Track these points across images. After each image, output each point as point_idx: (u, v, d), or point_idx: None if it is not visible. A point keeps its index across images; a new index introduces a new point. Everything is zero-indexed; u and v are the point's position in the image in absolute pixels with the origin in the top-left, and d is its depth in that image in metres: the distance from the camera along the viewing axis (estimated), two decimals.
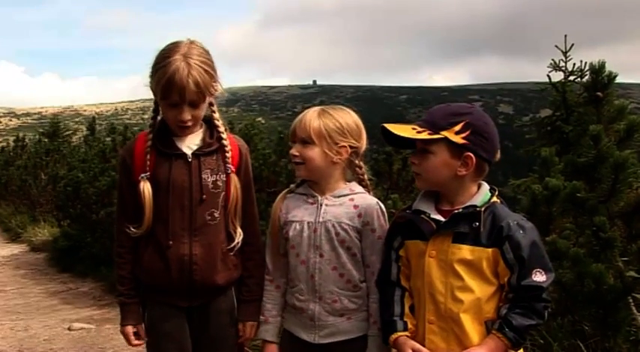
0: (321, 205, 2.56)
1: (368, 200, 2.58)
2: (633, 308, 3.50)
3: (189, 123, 2.57)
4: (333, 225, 2.52)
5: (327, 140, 2.54)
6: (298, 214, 2.58)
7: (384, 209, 2.59)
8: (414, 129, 2.32)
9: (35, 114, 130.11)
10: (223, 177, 2.63)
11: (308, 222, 2.55)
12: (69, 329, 6.47)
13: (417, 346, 2.28)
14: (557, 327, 3.77)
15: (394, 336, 2.34)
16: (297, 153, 2.55)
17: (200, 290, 2.63)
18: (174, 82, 2.45)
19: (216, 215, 2.62)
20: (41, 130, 21.92)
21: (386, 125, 2.35)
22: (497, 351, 2.21)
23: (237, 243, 2.65)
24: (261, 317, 2.67)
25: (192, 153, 2.61)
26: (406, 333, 2.34)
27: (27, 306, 7.70)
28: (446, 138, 2.28)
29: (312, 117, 2.55)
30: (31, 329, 6.55)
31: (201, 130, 2.67)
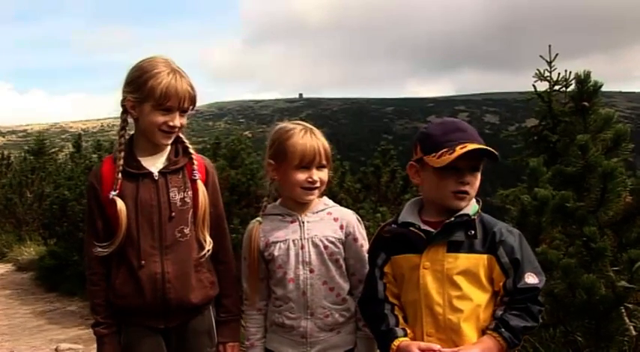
0: (303, 223, 2.58)
1: (344, 211, 2.65)
2: (625, 318, 3.49)
3: (176, 130, 2.60)
4: (321, 240, 2.55)
5: (330, 161, 2.63)
6: (280, 234, 2.59)
7: (359, 217, 2.67)
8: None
9: (20, 131, 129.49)
10: (190, 193, 2.64)
11: (293, 240, 2.56)
12: (56, 349, 6.39)
13: (424, 344, 2.25)
14: (549, 338, 3.75)
15: (397, 342, 2.30)
16: (317, 179, 2.56)
17: (176, 310, 2.61)
18: (175, 88, 2.53)
19: (186, 231, 2.62)
20: (26, 148, 21.73)
21: (482, 147, 2.30)
22: (492, 351, 2.21)
23: (208, 250, 2.65)
24: (247, 342, 2.66)
25: (159, 172, 2.62)
26: (407, 338, 2.30)
27: (13, 327, 7.60)
28: None
29: (322, 142, 2.59)
30: (18, 351, 6.46)
31: (167, 150, 2.68)
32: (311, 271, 2.54)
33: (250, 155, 8.44)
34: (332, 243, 2.56)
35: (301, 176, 2.54)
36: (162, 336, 2.64)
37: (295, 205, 2.62)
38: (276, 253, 2.57)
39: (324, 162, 2.57)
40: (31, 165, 17.94)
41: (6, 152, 22.34)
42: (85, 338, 6.70)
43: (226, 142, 8.72)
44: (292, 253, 2.55)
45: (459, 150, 2.26)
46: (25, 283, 10.59)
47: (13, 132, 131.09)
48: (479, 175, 2.34)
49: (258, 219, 2.66)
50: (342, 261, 2.58)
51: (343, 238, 2.58)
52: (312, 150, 2.54)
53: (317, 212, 2.61)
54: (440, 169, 2.31)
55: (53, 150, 21.80)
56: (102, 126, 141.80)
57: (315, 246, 2.55)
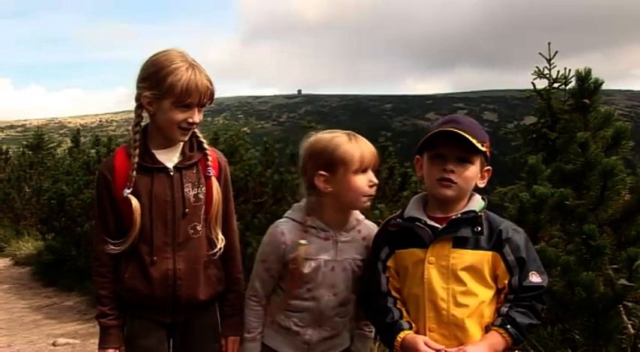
0: (336, 243, 2.49)
1: (371, 228, 2.57)
2: (624, 316, 3.48)
3: (194, 126, 2.57)
4: (350, 263, 2.50)
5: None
6: (313, 251, 2.46)
7: None
8: (473, 139, 2.30)
9: (19, 126, 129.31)
10: (204, 189, 2.60)
11: (325, 261, 2.47)
12: (53, 344, 6.37)
13: (430, 341, 2.23)
14: (547, 336, 3.75)
15: (402, 335, 2.29)
16: (377, 182, 2.48)
17: (185, 305, 2.59)
18: (195, 84, 2.47)
19: (198, 228, 2.59)
20: (25, 143, 21.68)
21: (460, 131, 2.28)
22: (498, 347, 2.20)
23: (220, 249, 2.62)
24: (247, 334, 2.60)
25: (174, 167, 2.58)
26: (412, 332, 2.29)
27: (10, 322, 7.58)
28: (484, 151, 2.33)
29: (371, 146, 2.47)
30: (15, 346, 6.45)
31: (181, 144, 2.63)
32: (334, 295, 2.49)
33: (248, 151, 8.43)
34: (358, 266, 2.50)
35: (362, 180, 2.43)
36: (167, 330, 2.63)
37: (333, 221, 2.50)
38: (306, 270, 2.46)
39: (377, 166, 2.48)
40: (29, 160, 17.93)
41: (4, 147, 22.26)
42: (82, 333, 6.70)
43: (225, 138, 8.70)
44: (320, 274, 2.47)
45: (436, 131, 2.30)
46: (22, 278, 10.58)
47: (12, 126, 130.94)
48: (471, 168, 2.32)
49: (304, 242, 2.48)
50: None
51: (366, 258, 2.52)
52: (370, 152, 2.45)
53: (350, 230, 2.52)
54: (429, 158, 2.35)
55: (51, 145, 21.76)
56: (100, 121, 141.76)
57: (344, 269, 2.48)
